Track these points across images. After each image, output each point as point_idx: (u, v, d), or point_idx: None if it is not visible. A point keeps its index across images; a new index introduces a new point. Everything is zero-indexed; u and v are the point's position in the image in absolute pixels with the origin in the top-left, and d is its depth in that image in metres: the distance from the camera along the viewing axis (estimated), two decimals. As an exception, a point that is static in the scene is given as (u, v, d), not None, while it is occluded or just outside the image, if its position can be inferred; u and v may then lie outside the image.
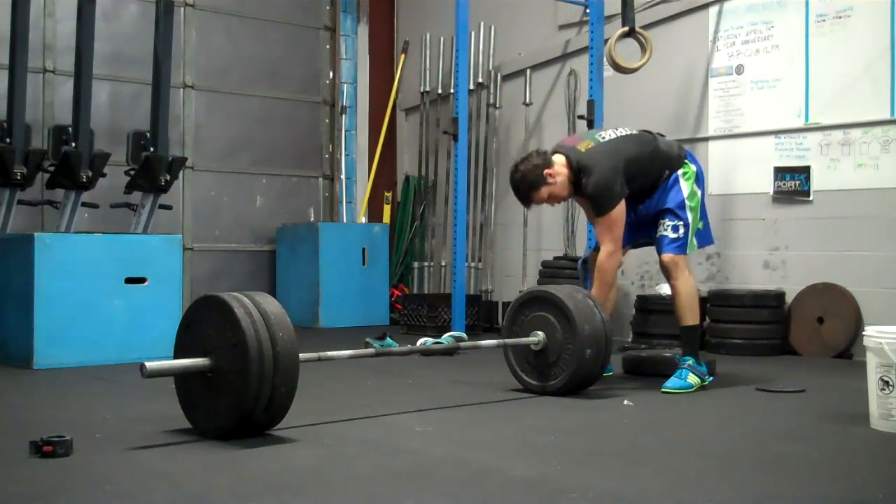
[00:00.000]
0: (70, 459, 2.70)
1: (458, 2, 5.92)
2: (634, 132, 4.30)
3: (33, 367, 4.71)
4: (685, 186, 4.21)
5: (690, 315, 4.19)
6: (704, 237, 4.37)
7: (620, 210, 4.10)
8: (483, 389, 4.07)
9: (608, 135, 4.24)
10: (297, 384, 3.00)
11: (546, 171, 4.09)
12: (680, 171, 4.23)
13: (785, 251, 5.65)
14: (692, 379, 4.08)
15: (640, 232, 4.35)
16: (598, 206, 4.10)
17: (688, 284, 4.21)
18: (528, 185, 4.14)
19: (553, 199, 4.20)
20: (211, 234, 7.39)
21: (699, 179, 4.28)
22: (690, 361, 4.13)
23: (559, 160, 4.14)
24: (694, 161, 4.31)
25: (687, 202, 4.19)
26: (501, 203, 7.35)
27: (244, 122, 7.59)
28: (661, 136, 4.36)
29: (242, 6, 7.58)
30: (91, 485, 2.47)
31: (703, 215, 4.33)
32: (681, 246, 4.18)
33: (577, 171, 4.11)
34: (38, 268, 4.77)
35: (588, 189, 4.09)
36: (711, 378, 4.29)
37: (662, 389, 4.02)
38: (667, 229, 4.19)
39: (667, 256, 4.18)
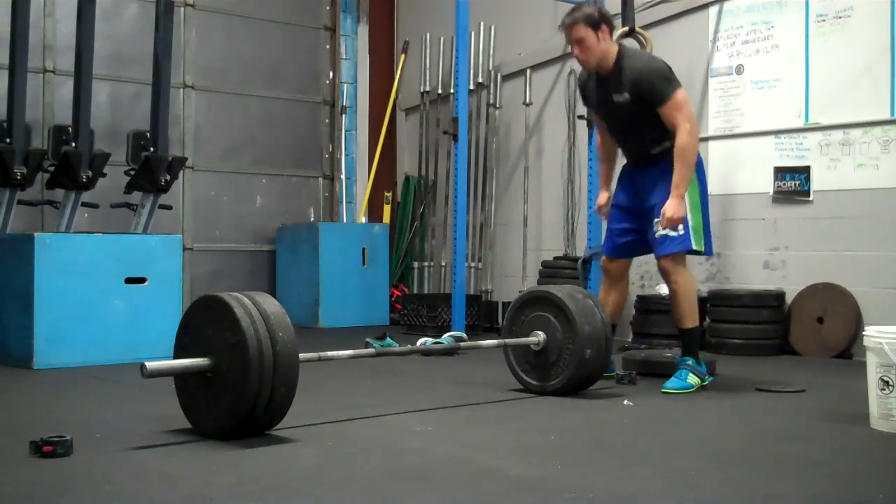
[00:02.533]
0: (70, 459, 2.70)
1: (458, 2, 5.92)
2: None
3: (33, 367, 4.71)
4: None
5: (690, 318, 4.14)
6: (710, 244, 4.20)
7: (683, 91, 3.99)
8: (483, 389, 4.07)
9: None
10: (297, 384, 3.00)
11: (604, 26, 4.04)
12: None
13: (785, 251, 5.66)
14: (692, 379, 4.07)
15: (635, 222, 4.23)
16: (658, 92, 3.97)
17: (687, 286, 4.13)
18: (582, 17, 4.04)
19: (583, 49, 4.06)
20: (211, 234, 7.39)
21: (699, 170, 4.14)
22: (690, 362, 4.12)
23: (615, 44, 4.12)
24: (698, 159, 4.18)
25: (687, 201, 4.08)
26: (501, 203, 7.36)
27: (244, 122, 7.60)
28: None
29: (242, 6, 7.59)
30: (91, 485, 2.47)
31: (706, 219, 4.15)
32: (680, 241, 4.03)
33: (619, 62, 4.06)
34: (38, 268, 4.77)
35: (641, 76, 3.99)
36: (711, 378, 4.29)
37: (662, 390, 4.01)
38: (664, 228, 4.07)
39: (665, 258, 4.08)
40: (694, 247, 4.06)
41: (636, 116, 4.10)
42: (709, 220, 4.19)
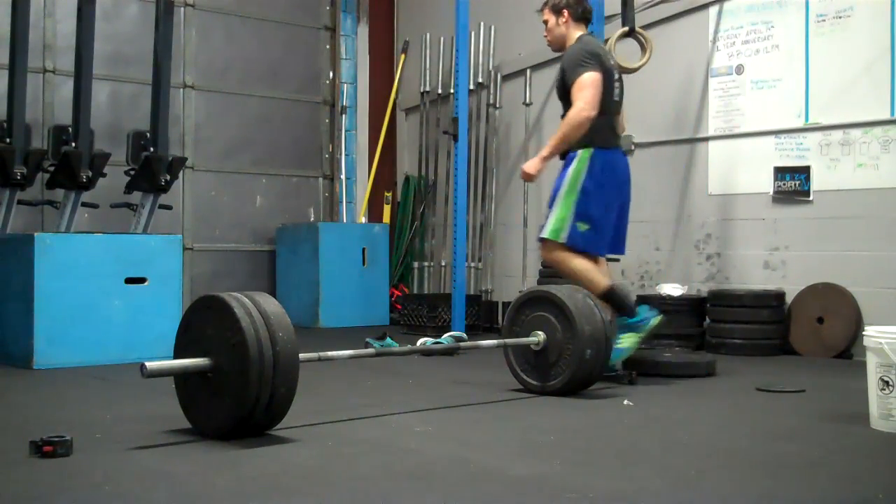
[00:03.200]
0: (70, 459, 2.70)
1: (458, 2, 5.92)
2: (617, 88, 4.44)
3: (33, 367, 4.71)
4: (570, 172, 4.24)
5: (595, 285, 4.15)
6: (590, 241, 4.25)
7: (591, 75, 4.20)
8: (483, 389, 4.07)
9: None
10: (297, 384, 3.00)
11: (566, 10, 4.37)
12: (580, 151, 4.26)
13: (785, 251, 5.66)
14: (626, 341, 4.12)
15: None
16: (568, 73, 4.27)
17: (567, 263, 4.22)
18: (549, 2, 4.47)
19: (546, 31, 4.50)
20: (211, 234, 7.39)
21: (605, 170, 4.25)
22: (624, 321, 4.16)
23: (580, 31, 4.43)
24: (606, 153, 4.28)
25: (563, 188, 4.24)
26: (501, 203, 7.35)
27: (244, 122, 7.60)
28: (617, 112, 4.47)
29: (242, 6, 7.59)
30: (91, 485, 2.47)
31: (594, 219, 4.22)
32: (541, 227, 4.28)
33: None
34: (38, 268, 4.78)
35: (564, 58, 4.38)
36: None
37: (610, 365, 4.01)
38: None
39: (540, 245, 4.34)
40: (545, 235, 4.23)
41: (560, 99, 4.43)
42: (598, 220, 4.25)
